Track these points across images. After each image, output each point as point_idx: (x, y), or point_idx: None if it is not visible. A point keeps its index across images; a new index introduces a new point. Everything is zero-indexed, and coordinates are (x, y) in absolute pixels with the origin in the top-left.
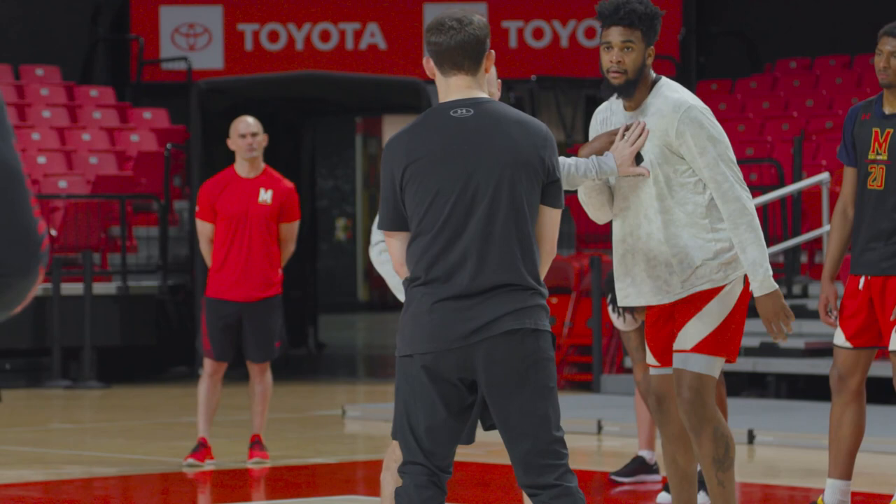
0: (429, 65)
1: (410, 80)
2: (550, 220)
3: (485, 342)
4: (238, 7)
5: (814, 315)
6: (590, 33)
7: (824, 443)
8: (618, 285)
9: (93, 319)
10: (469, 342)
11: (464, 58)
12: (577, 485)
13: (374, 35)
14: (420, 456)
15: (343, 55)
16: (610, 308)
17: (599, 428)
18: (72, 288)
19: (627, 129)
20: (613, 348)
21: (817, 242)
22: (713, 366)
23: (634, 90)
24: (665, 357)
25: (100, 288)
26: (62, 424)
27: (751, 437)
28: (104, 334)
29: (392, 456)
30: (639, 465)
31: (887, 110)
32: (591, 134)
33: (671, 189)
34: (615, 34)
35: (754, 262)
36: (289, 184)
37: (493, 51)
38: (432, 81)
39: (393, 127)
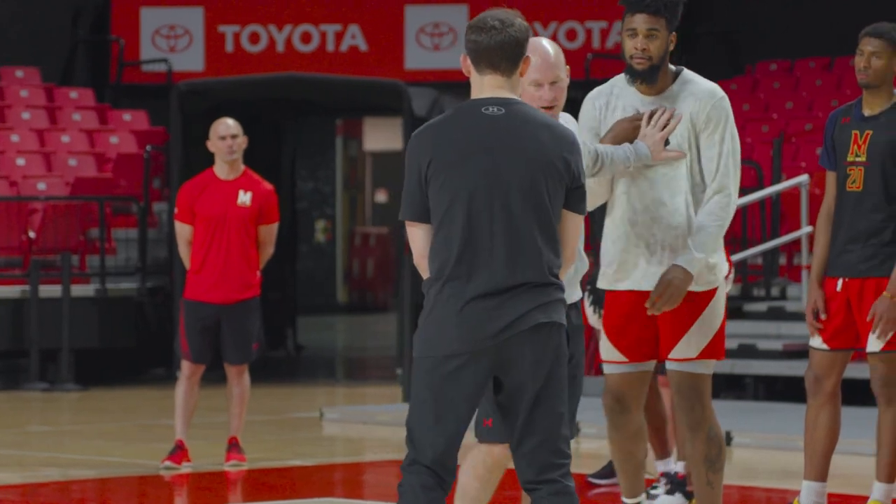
0: (465, 63)
1: (391, 82)
2: (573, 224)
3: (515, 338)
4: (219, 9)
5: (792, 317)
6: (571, 35)
7: (802, 444)
8: (613, 270)
9: (71, 321)
10: (499, 339)
11: (501, 58)
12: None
13: (355, 37)
14: (429, 458)
15: (324, 57)
16: (590, 308)
17: (577, 430)
18: (50, 290)
19: (652, 115)
20: (591, 350)
21: (796, 244)
22: (712, 367)
23: (658, 76)
24: (634, 353)
25: (78, 290)
26: (40, 427)
27: (728, 439)
28: (82, 336)
29: (470, 460)
30: (613, 469)
31: (866, 112)
32: (584, 119)
33: (694, 174)
34: (640, 21)
35: (703, 246)
36: (268, 186)
37: (531, 56)
38: (414, 83)
39: (374, 129)
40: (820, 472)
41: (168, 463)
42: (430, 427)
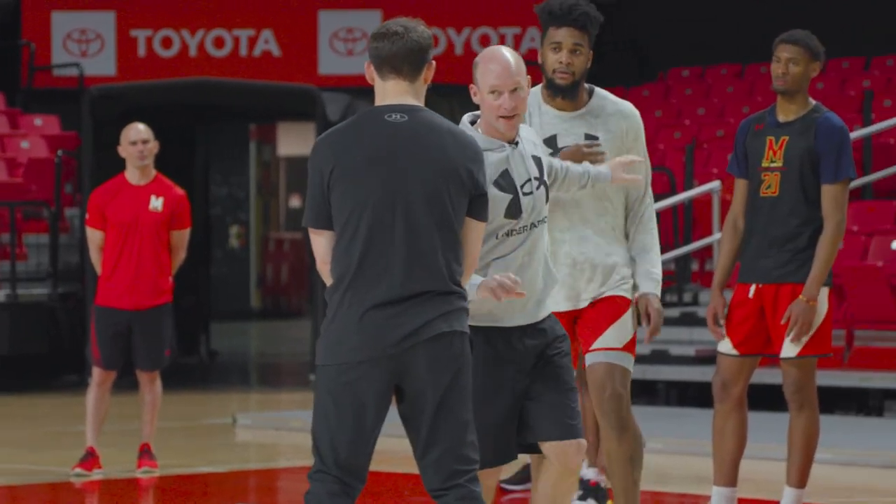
0: (369, 70)
1: (305, 87)
2: (475, 232)
3: (416, 346)
4: (131, 13)
5: (705, 323)
6: (484, 40)
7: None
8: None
9: None
10: (400, 348)
11: (403, 62)
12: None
13: (268, 42)
14: (334, 466)
15: (237, 62)
16: None
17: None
18: None
19: (589, 140)
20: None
21: (708, 250)
22: (633, 364)
23: (579, 89)
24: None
25: None
26: None
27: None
28: None
29: (539, 477)
30: (529, 474)
31: (781, 118)
32: None
33: (609, 192)
34: (566, 35)
35: (657, 263)
36: (180, 191)
37: (434, 62)
38: (327, 88)
39: (287, 134)
40: (729, 477)
41: (79, 470)
42: (334, 435)
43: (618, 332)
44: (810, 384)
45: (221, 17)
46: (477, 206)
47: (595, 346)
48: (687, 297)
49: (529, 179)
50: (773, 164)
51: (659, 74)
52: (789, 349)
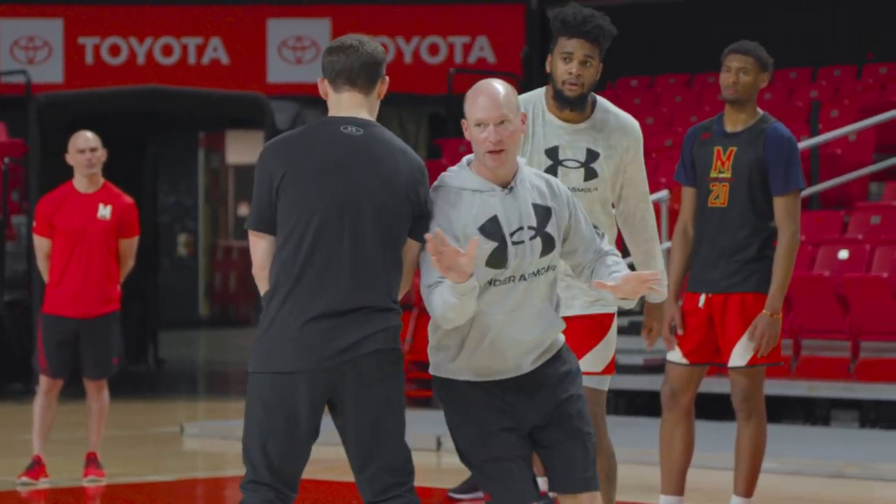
0: (322, 85)
1: (253, 96)
2: (411, 250)
3: (352, 361)
4: (78, 21)
5: None
6: (433, 50)
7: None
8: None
9: None
10: (337, 361)
11: (359, 75)
12: None
13: (216, 50)
14: (268, 476)
15: (185, 70)
16: None
17: (438, 444)
18: None
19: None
20: None
21: None
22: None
23: (586, 101)
24: None
25: None
26: None
27: None
28: None
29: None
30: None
31: (729, 128)
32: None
33: (606, 205)
34: (578, 47)
35: (663, 271)
36: (128, 199)
37: (387, 77)
38: (276, 97)
39: (236, 142)
40: (677, 486)
41: (25, 479)
42: (265, 442)
43: (599, 355)
44: (758, 393)
45: (170, 25)
46: (418, 227)
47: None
48: (636, 306)
49: (522, 228)
50: (721, 175)
51: (608, 83)
52: (738, 358)
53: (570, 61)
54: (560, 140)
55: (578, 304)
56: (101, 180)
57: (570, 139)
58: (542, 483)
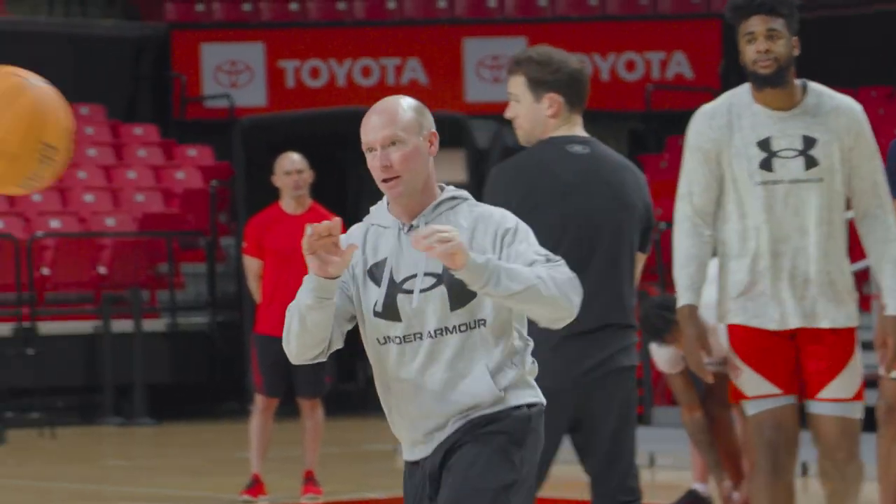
0: (556, 99)
1: (453, 115)
2: (639, 263)
3: (600, 379)
4: (279, 44)
5: (869, 346)
6: (630, 66)
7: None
8: (749, 304)
9: (143, 356)
10: (588, 378)
11: (586, 95)
12: None
13: (415, 70)
14: None
15: (384, 90)
16: (654, 345)
17: (652, 461)
18: (122, 325)
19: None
20: (664, 380)
21: (865, 273)
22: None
23: (786, 78)
24: (792, 385)
25: (149, 325)
26: (116, 461)
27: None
28: (155, 371)
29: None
30: (693, 499)
31: None
32: (698, 139)
33: (838, 200)
34: (756, 23)
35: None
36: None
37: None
38: (476, 116)
39: (437, 161)
40: None
41: (246, 496)
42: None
43: (849, 377)
44: None
45: (368, 47)
46: (645, 238)
47: (824, 394)
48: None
49: (416, 275)
50: None
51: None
52: None
53: (753, 41)
54: (771, 130)
55: (822, 306)
56: (309, 201)
57: (782, 127)
58: (702, 488)
